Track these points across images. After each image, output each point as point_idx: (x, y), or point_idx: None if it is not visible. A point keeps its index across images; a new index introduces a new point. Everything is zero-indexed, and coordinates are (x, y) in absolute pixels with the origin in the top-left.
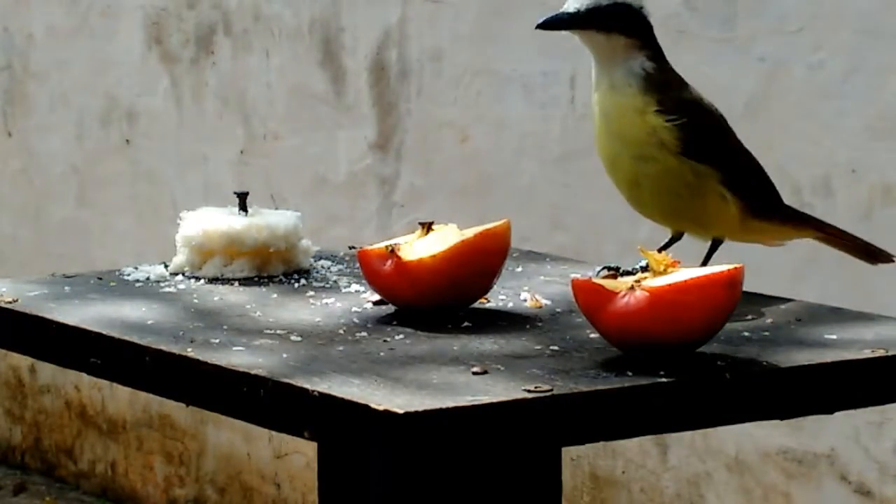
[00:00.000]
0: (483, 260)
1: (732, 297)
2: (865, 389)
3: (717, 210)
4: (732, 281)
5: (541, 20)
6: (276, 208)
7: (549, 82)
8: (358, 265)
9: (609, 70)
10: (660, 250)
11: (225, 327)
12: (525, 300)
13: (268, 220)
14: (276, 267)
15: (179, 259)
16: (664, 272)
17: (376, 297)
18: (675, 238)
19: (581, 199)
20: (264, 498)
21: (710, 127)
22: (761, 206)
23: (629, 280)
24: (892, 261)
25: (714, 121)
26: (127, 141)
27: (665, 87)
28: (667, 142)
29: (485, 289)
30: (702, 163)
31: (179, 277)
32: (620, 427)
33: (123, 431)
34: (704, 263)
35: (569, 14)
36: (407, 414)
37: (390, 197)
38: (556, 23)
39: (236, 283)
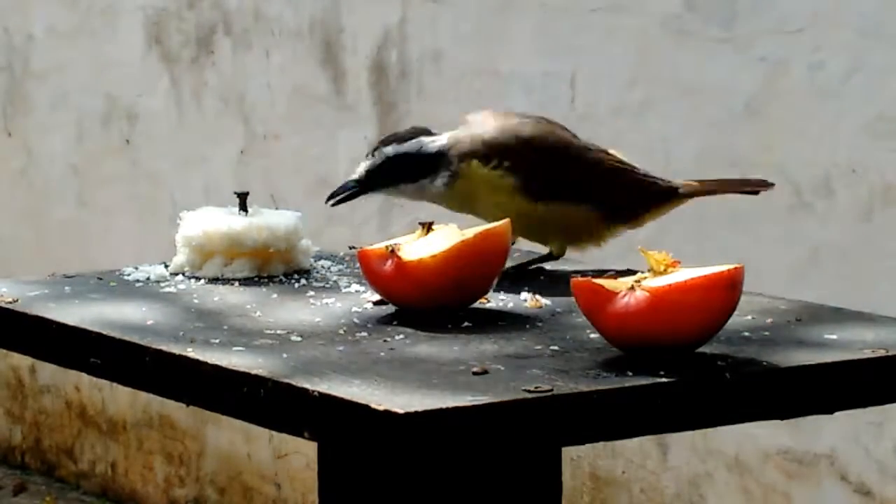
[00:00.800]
0: (483, 260)
1: (732, 298)
2: (865, 389)
3: (582, 229)
4: (732, 281)
5: (330, 195)
6: (277, 208)
7: (549, 82)
8: (358, 265)
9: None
10: (532, 263)
11: (225, 327)
12: (525, 300)
13: (268, 220)
14: (276, 267)
15: (179, 259)
16: (664, 272)
17: (376, 297)
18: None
19: None
20: (264, 498)
21: (538, 165)
22: (622, 209)
23: (629, 280)
24: (771, 185)
25: (538, 157)
26: (127, 141)
27: (475, 151)
28: (505, 187)
29: (485, 289)
30: (542, 198)
31: (179, 277)
32: (620, 427)
33: (123, 431)
34: (532, 265)
35: (354, 182)
36: (407, 414)
37: (390, 197)
38: (347, 193)
39: (236, 283)
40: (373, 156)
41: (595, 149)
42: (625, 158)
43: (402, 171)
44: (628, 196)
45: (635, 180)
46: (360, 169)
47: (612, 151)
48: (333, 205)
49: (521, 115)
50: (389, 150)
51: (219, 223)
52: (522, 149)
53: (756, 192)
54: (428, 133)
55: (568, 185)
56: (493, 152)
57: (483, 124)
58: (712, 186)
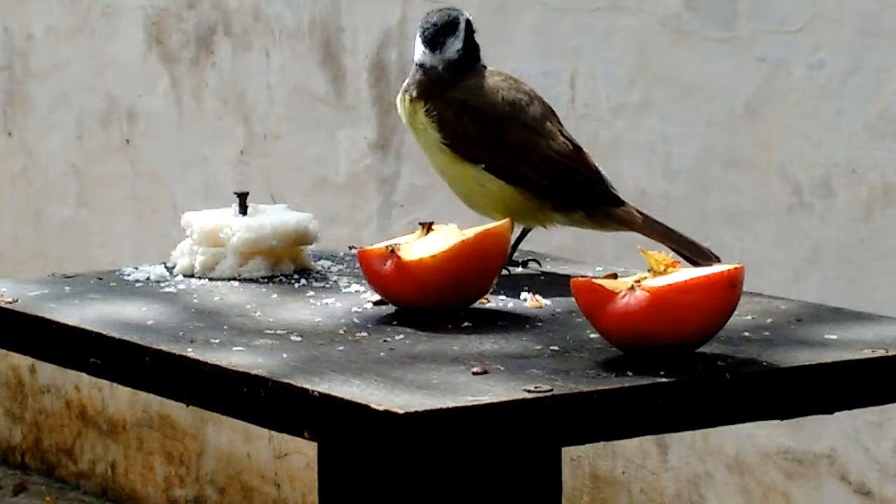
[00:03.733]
0: (483, 260)
1: (732, 297)
2: (865, 389)
3: (500, 198)
4: (732, 281)
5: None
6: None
7: (549, 82)
8: (358, 265)
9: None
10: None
11: (225, 327)
12: (525, 300)
13: (281, 220)
14: (286, 266)
15: (186, 261)
16: (664, 272)
17: (376, 297)
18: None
19: None
20: (264, 498)
21: (466, 122)
22: (552, 194)
23: (629, 280)
24: (718, 260)
25: (472, 116)
26: (127, 141)
27: (434, 89)
28: (437, 138)
29: (485, 289)
30: (466, 154)
31: (179, 277)
32: (620, 427)
33: (123, 431)
34: (511, 252)
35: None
36: (407, 414)
37: (390, 197)
38: None
39: (236, 283)
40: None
41: (559, 138)
42: (591, 161)
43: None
44: (561, 186)
45: (576, 174)
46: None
47: (584, 151)
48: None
49: (519, 91)
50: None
51: (234, 224)
52: (459, 113)
53: (695, 263)
54: (463, 28)
55: (493, 158)
56: (434, 106)
57: (474, 86)
58: (659, 230)
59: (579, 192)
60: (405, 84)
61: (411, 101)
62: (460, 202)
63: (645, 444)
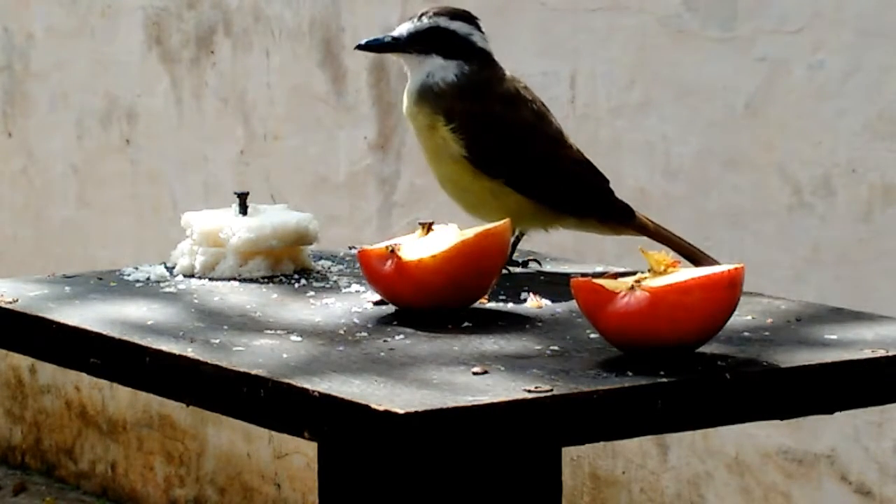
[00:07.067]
0: (483, 260)
1: (732, 297)
2: (865, 389)
3: (514, 210)
4: (732, 281)
5: (363, 42)
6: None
7: (549, 82)
8: (358, 265)
9: (417, 86)
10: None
11: (225, 327)
12: (525, 300)
13: (282, 220)
14: (286, 266)
15: (186, 261)
16: (664, 272)
17: (376, 297)
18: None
19: None
20: (264, 498)
21: (493, 137)
22: (569, 207)
23: (629, 280)
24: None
25: (500, 131)
26: (127, 141)
27: (458, 99)
28: (454, 151)
29: (485, 289)
30: (487, 169)
31: (179, 277)
32: (620, 427)
33: (123, 431)
34: (511, 252)
35: (392, 37)
36: (407, 414)
37: (390, 197)
38: (378, 45)
39: (236, 283)
40: (420, 20)
41: (574, 148)
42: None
43: (441, 44)
44: (578, 198)
45: (591, 185)
46: (403, 29)
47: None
48: (361, 48)
49: (536, 101)
50: (441, 20)
51: (234, 225)
52: (485, 127)
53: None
54: (476, 26)
55: (514, 171)
56: (456, 118)
57: (488, 95)
58: (669, 238)
59: (594, 202)
60: (418, 90)
61: (431, 111)
62: None
63: (645, 444)
